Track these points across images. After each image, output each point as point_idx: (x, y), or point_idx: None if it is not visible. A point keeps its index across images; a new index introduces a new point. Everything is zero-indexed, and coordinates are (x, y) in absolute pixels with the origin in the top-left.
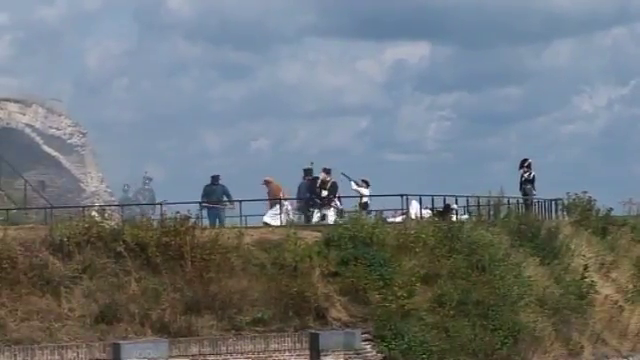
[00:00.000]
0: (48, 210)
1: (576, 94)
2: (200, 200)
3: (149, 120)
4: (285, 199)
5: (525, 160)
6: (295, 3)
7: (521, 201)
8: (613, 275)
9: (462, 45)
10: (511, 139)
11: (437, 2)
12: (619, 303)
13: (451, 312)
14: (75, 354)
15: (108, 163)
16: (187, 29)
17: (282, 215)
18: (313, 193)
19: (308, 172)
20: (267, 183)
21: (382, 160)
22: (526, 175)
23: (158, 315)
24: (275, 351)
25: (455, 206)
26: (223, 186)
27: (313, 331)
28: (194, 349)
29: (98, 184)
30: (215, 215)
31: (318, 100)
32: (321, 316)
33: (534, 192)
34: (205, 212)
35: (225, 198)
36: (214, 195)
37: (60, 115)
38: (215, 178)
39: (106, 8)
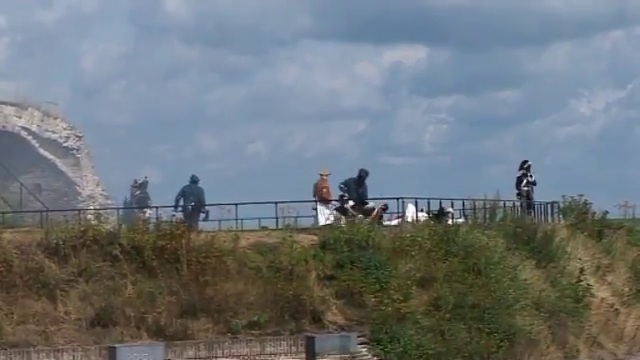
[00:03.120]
0: (44, 213)
1: (574, 97)
2: (176, 200)
3: (146, 123)
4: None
5: (525, 162)
6: (292, 6)
7: (517, 204)
8: (609, 278)
9: (459, 48)
10: (508, 142)
11: (435, 5)
12: (615, 306)
13: (447, 315)
14: (71, 357)
15: (105, 166)
16: (184, 32)
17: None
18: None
19: (363, 173)
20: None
21: (379, 163)
22: (528, 177)
23: (154, 318)
24: (271, 354)
25: (450, 209)
26: (201, 188)
27: (309, 334)
28: (190, 352)
29: (94, 187)
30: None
31: (315, 103)
32: (317, 319)
33: (532, 194)
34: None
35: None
36: (192, 196)
37: (56, 118)
38: (194, 178)
39: (103, 11)
